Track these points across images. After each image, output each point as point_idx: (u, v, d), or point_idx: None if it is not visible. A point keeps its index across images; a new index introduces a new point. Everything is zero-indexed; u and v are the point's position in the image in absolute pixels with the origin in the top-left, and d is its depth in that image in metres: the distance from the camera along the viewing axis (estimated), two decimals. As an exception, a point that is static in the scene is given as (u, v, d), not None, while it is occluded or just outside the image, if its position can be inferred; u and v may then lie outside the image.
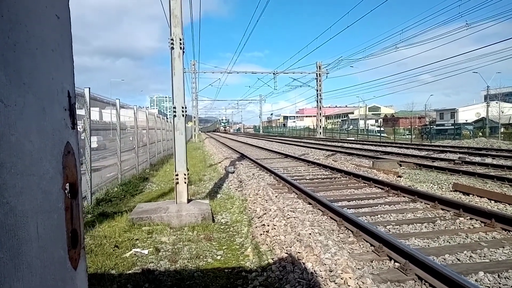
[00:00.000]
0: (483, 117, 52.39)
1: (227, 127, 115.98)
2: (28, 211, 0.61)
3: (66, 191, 0.73)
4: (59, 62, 0.74)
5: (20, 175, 0.60)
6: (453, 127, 41.86)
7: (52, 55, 0.72)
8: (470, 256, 4.44)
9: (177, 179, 6.62)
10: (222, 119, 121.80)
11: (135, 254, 4.82)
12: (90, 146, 7.59)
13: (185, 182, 6.66)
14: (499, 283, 3.69)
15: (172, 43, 6.57)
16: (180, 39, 6.59)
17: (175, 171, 6.67)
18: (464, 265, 4.15)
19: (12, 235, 0.57)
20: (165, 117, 26.37)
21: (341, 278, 3.43)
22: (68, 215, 0.73)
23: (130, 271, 4.27)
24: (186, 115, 6.78)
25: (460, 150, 19.35)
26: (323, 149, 23.17)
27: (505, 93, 59.79)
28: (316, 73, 46.77)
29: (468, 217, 6.00)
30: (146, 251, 4.90)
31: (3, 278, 0.54)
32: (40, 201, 0.65)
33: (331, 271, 3.64)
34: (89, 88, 7.56)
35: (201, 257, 4.75)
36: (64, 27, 0.76)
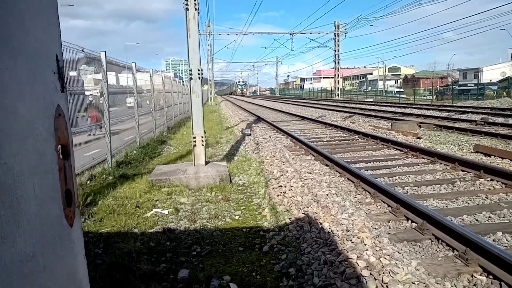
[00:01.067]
0: (508, 77, 50.31)
1: (245, 90, 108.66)
2: (24, 171, 0.64)
3: (58, 153, 0.75)
4: (46, 25, 0.75)
5: (15, 137, 0.62)
6: (476, 87, 40.45)
7: (39, 18, 0.72)
8: (489, 217, 4.40)
9: (195, 141, 6.68)
10: (239, 81, 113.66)
11: (155, 214, 4.97)
12: (109, 109, 7.68)
13: (203, 145, 6.71)
14: (518, 243, 3.67)
15: (186, 4, 6.40)
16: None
17: (193, 133, 6.71)
18: (483, 226, 4.13)
19: (11, 194, 0.60)
20: (180, 80, 26.30)
21: (358, 237, 3.47)
22: (62, 176, 0.76)
23: (151, 230, 4.43)
24: (202, 77, 6.72)
25: (483, 111, 18.78)
26: (341, 111, 22.87)
27: (534, 51, 56.82)
28: (334, 33, 45.26)
29: (489, 178, 5.90)
30: (166, 211, 5.04)
31: (6, 234, 0.58)
32: (36, 162, 0.68)
33: (347, 231, 3.68)
34: (105, 52, 7.53)
35: (220, 217, 4.87)
36: None
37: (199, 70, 6.63)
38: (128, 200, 5.49)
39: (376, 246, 3.30)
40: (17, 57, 0.64)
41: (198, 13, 6.58)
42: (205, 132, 6.82)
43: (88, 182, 6.48)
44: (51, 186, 0.72)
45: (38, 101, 0.70)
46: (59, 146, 0.76)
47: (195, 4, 6.48)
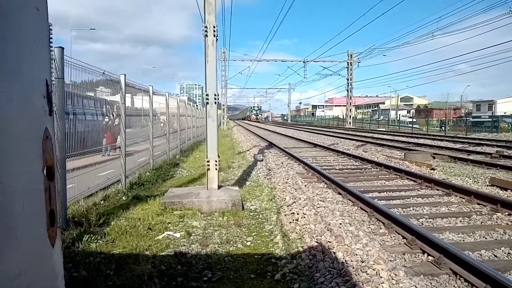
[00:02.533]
0: (523, 110, 49.82)
1: (259, 115, 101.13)
2: (16, 190, 0.67)
3: (45, 174, 0.78)
4: (39, 52, 0.80)
5: (10, 157, 0.66)
6: (490, 119, 40.10)
7: (34, 45, 0.77)
8: (508, 253, 4.29)
9: (208, 165, 6.71)
10: (253, 106, 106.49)
11: (167, 237, 4.96)
12: (125, 131, 7.80)
13: (216, 169, 6.74)
14: (540, 282, 3.55)
15: (206, 31, 6.60)
16: (214, 27, 6.60)
17: (206, 157, 6.76)
18: (502, 262, 4.01)
19: (4, 212, 0.63)
20: (194, 104, 26.68)
21: (373, 269, 3.40)
22: (47, 196, 0.78)
23: (163, 253, 4.41)
24: (218, 102, 6.83)
25: (498, 144, 18.54)
26: (353, 139, 22.81)
27: (549, 85, 56.36)
28: (347, 62, 45.84)
29: (506, 213, 5.77)
30: (178, 235, 5.03)
31: None
32: (25, 182, 0.71)
33: (362, 262, 3.61)
34: (125, 75, 7.74)
35: (231, 242, 4.82)
36: (43, 19, 0.81)
37: (215, 95, 6.74)
38: (141, 222, 5.49)
39: (393, 279, 3.23)
40: (13, 82, 0.69)
41: (217, 39, 6.76)
42: (219, 156, 6.86)
43: (102, 202, 6.52)
44: (37, 205, 0.75)
45: (30, 124, 0.74)
46: (45, 167, 0.79)
47: (214, 31, 6.67)
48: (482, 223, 5.48)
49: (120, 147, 7.82)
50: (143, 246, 4.57)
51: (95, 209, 5.87)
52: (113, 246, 4.59)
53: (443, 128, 39.30)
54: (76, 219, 5.17)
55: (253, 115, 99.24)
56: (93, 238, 4.67)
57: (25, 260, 0.69)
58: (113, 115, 9.47)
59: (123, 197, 7.02)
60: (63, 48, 5.11)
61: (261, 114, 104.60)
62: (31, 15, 0.76)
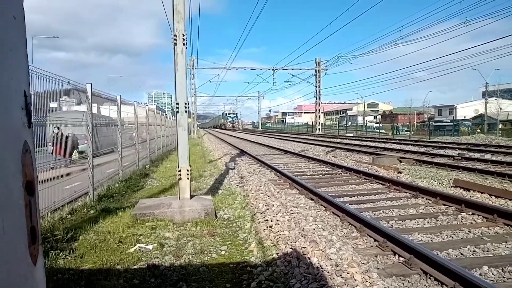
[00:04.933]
0: (481, 114, 52.50)
1: (236, 123, 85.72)
2: None
3: (25, 189, 0.76)
4: (17, 62, 0.77)
5: None
6: (451, 123, 41.96)
7: (11, 55, 0.74)
8: (474, 251, 4.47)
9: (180, 174, 6.62)
10: (228, 113, 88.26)
11: (139, 249, 4.83)
12: (93, 142, 7.58)
13: (188, 178, 6.66)
14: (503, 277, 3.72)
15: (175, 39, 6.55)
16: (183, 35, 6.57)
17: (178, 166, 6.67)
18: (468, 260, 4.17)
19: None
20: (164, 113, 26.33)
21: (348, 273, 3.45)
22: (27, 212, 0.75)
23: (135, 266, 4.29)
24: (189, 111, 6.77)
25: (459, 147, 19.40)
26: (323, 145, 23.19)
27: (504, 90, 59.81)
28: (315, 70, 46.74)
29: (470, 213, 6.03)
30: (150, 247, 4.91)
31: None
32: (5, 198, 0.68)
33: (337, 266, 3.66)
34: (91, 84, 7.55)
35: (206, 252, 4.76)
36: (20, 27, 0.78)
37: (186, 103, 6.68)
38: (111, 235, 5.32)
39: (366, 281, 3.28)
40: None
41: (186, 48, 6.72)
42: (190, 166, 6.78)
43: (69, 216, 6.27)
44: (17, 222, 0.72)
45: (8, 137, 0.71)
46: (25, 182, 0.76)
47: (184, 40, 6.62)
48: (448, 223, 5.69)
49: (73, 160, 7.56)
50: (114, 260, 4.42)
51: (62, 223, 5.64)
52: (82, 262, 4.42)
53: (396, 131, 40.71)
54: (42, 234, 4.94)
55: (228, 123, 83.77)
56: (60, 254, 4.48)
57: (6, 280, 0.65)
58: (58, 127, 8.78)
59: (91, 210, 6.79)
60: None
61: (237, 121, 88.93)
62: (7, 24, 0.73)
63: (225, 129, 79.24)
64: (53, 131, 7.09)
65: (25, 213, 0.74)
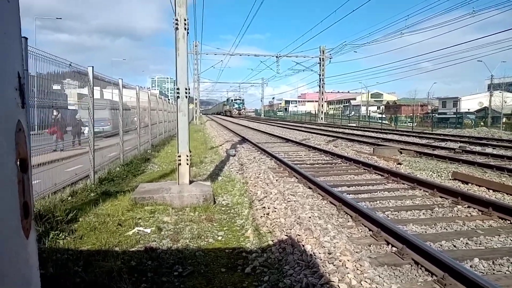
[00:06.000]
0: (485, 107, 52.20)
1: (242, 110, 77.80)
2: None
3: (18, 166, 0.79)
4: (11, 44, 0.79)
5: None
6: (455, 115, 41.78)
7: (4, 37, 0.77)
8: (466, 243, 4.53)
9: (180, 160, 6.68)
10: (234, 99, 79.74)
11: (138, 232, 4.92)
12: (94, 125, 7.63)
13: (187, 164, 6.72)
14: (493, 269, 3.79)
15: (176, 24, 6.53)
16: (185, 20, 6.55)
17: (178, 152, 6.72)
18: (460, 252, 4.24)
19: None
20: (166, 98, 26.31)
21: (340, 261, 3.52)
22: (20, 188, 0.79)
23: (133, 249, 4.37)
24: (189, 96, 6.79)
25: (461, 139, 19.36)
26: (324, 135, 23.20)
27: (509, 83, 59.33)
28: (320, 58, 46.40)
29: (466, 205, 6.08)
30: (148, 230, 4.99)
31: None
32: None
33: (330, 254, 3.73)
34: (93, 67, 7.55)
35: (203, 237, 4.84)
36: (13, 11, 0.80)
37: (186, 89, 6.70)
38: (110, 218, 5.42)
39: (358, 269, 3.35)
40: None
41: (188, 33, 6.70)
42: (190, 151, 6.84)
43: (70, 198, 6.36)
44: (10, 197, 0.76)
45: (1, 116, 0.75)
46: (19, 159, 0.79)
47: (185, 24, 6.61)
48: (444, 215, 5.75)
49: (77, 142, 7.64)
50: (113, 242, 4.52)
51: (63, 205, 5.73)
52: (82, 243, 4.52)
53: (395, 122, 40.57)
54: (42, 215, 5.03)
55: (234, 110, 76.27)
56: (60, 234, 4.57)
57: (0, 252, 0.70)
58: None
59: (92, 193, 6.88)
60: (26, 38, 4.94)
61: (244, 108, 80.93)
62: (1, 7, 0.76)
63: (230, 116, 72.69)
64: (53, 114, 7.10)
65: (18, 188, 0.78)
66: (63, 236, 4.58)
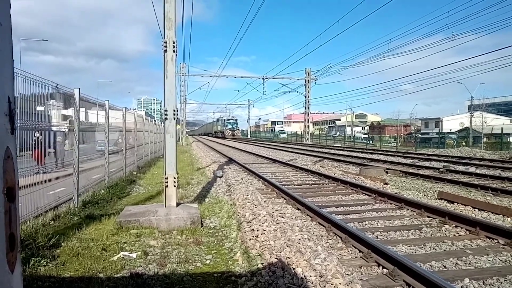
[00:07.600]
0: (466, 127, 53.45)
1: (236, 130, 70.07)
2: None
3: (5, 195, 0.75)
4: (2, 68, 0.77)
5: None
6: (437, 136, 42.61)
7: None
8: (456, 263, 4.52)
9: (167, 182, 6.58)
10: (227, 119, 71.97)
11: (123, 257, 4.77)
12: (78, 147, 7.49)
13: (175, 186, 6.62)
14: (484, 290, 3.77)
15: (165, 46, 6.56)
16: (174, 42, 6.58)
17: (165, 174, 6.62)
18: (451, 272, 4.22)
19: None
20: (152, 119, 26.18)
21: (331, 284, 3.46)
22: (7, 219, 0.74)
23: (118, 275, 4.22)
24: (177, 118, 6.75)
25: (445, 159, 19.70)
26: (311, 155, 23.30)
27: (488, 104, 61.18)
28: (305, 79, 47.14)
29: (454, 225, 6.11)
30: (134, 255, 4.85)
31: None
32: None
33: (321, 277, 3.67)
34: (79, 88, 7.48)
35: (190, 261, 4.72)
36: (6, 34, 0.79)
37: (174, 110, 6.67)
38: (94, 242, 5.25)
39: (350, 292, 3.29)
40: None
41: (176, 55, 6.73)
42: (177, 173, 6.75)
43: (52, 222, 6.16)
44: None
45: None
46: (6, 188, 0.75)
47: (174, 47, 6.64)
48: (432, 235, 5.76)
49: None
50: (97, 268, 4.35)
51: (45, 229, 5.54)
52: (64, 270, 4.34)
53: (399, 143, 41.20)
54: (23, 241, 4.85)
55: (227, 130, 68.48)
56: (42, 261, 4.39)
57: None
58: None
59: (75, 216, 6.69)
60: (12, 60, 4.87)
61: (238, 129, 72.23)
62: None
63: (223, 137, 66.26)
64: (34, 136, 6.90)
65: (4, 219, 0.73)
66: (45, 262, 4.40)
